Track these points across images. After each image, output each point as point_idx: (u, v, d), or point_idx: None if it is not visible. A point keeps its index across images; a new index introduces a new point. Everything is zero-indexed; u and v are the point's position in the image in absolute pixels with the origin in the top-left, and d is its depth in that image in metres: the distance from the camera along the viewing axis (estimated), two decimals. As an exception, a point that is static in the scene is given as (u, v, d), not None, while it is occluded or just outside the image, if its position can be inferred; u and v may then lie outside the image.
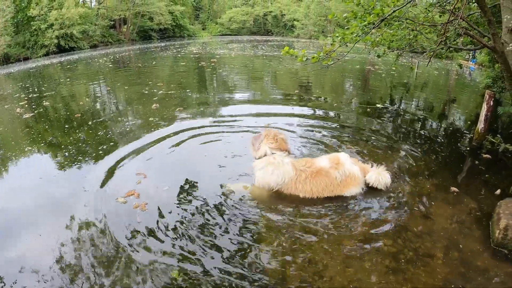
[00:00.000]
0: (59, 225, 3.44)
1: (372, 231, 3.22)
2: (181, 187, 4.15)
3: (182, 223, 3.43)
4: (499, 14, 4.34)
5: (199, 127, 6.35)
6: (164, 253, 3.01)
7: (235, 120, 6.74)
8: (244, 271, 2.76)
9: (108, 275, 2.76)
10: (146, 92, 9.73)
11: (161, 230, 3.33)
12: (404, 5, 4.72)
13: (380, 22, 4.70)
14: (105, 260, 2.94)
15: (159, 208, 3.69)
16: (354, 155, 4.87)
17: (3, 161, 5.18)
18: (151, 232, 3.30)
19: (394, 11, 4.64)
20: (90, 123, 6.86)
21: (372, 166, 4.06)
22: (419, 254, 2.92)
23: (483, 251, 2.97)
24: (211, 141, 5.66)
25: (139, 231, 3.31)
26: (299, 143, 5.41)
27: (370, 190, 3.91)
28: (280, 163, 3.79)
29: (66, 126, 6.78)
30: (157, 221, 3.47)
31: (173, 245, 3.10)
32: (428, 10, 5.96)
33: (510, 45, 3.75)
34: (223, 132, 6.07)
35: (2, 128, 6.98)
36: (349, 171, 3.80)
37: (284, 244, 3.05)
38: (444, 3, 5.80)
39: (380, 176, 3.86)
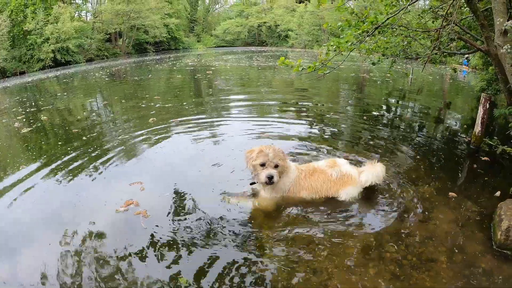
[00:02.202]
0: (60, 240, 3.38)
1: (375, 238, 3.21)
2: (181, 193, 4.18)
3: (185, 228, 3.45)
4: (492, 17, 4.42)
5: (196, 137, 6.41)
6: (171, 258, 3.03)
7: (229, 129, 6.78)
8: (248, 281, 2.74)
9: (115, 282, 2.75)
10: (144, 106, 9.75)
11: (166, 235, 3.36)
12: (398, 12, 4.78)
13: (374, 30, 4.76)
14: (111, 268, 2.92)
15: (161, 214, 3.73)
16: (352, 162, 4.87)
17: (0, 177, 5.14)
18: (156, 238, 3.32)
19: (388, 19, 4.71)
20: (87, 138, 6.82)
21: (366, 165, 4.14)
22: (423, 259, 2.91)
23: (485, 253, 2.97)
24: (208, 150, 5.70)
25: (145, 237, 3.35)
26: (296, 152, 5.42)
27: (370, 196, 3.92)
28: (288, 167, 3.87)
29: (64, 141, 6.74)
30: (161, 226, 3.50)
31: (179, 251, 3.12)
32: (421, 17, 6.07)
33: (503, 47, 3.81)
34: (220, 139, 6.12)
35: (0, 143, 6.96)
36: (346, 171, 3.90)
37: (287, 254, 3.03)
38: (437, 9, 5.89)
39: (373, 170, 3.86)
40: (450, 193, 3.96)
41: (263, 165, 3.65)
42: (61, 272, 2.91)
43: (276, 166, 3.66)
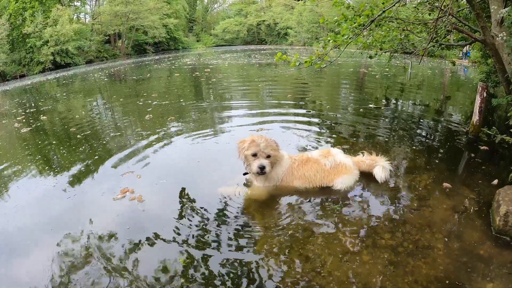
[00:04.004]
0: (65, 235, 3.37)
1: (370, 226, 3.20)
2: (176, 182, 4.33)
3: (179, 213, 3.56)
4: (488, 9, 4.41)
5: (192, 131, 6.45)
6: (170, 238, 3.15)
7: (225, 122, 6.81)
8: (241, 268, 2.75)
9: (119, 262, 2.83)
10: (141, 103, 9.78)
11: (161, 219, 3.50)
12: (393, 5, 4.77)
13: (370, 23, 4.77)
14: (114, 251, 3.02)
15: (156, 199, 3.93)
16: (350, 152, 4.88)
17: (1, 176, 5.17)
18: (152, 221, 3.47)
19: (383, 11, 4.71)
20: (85, 135, 6.85)
21: (363, 155, 4.22)
22: (419, 246, 2.88)
23: (484, 239, 2.93)
24: (205, 142, 5.77)
25: (141, 220, 3.50)
26: (294, 144, 5.43)
27: (367, 184, 3.93)
28: (281, 156, 3.88)
29: (62, 138, 6.79)
30: (157, 211, 3.69)
31: (176, 233, 3.22)
32: (417, 9, 6.05)
33: (499, 35, 3.80)
34: (217, 132, 6.15)
35: (0, 142, 7.00)
36: (340, 160, 3.91)
37: (280, 242, 3.03)
38: (433, 1, 5.87)
39: (384, 170, 3.95)
40: (446, 183, 3.93)
41: (254, 155, 3.65)
42: (65, 263, 2.92)
43: (268, 156, 3.66)
